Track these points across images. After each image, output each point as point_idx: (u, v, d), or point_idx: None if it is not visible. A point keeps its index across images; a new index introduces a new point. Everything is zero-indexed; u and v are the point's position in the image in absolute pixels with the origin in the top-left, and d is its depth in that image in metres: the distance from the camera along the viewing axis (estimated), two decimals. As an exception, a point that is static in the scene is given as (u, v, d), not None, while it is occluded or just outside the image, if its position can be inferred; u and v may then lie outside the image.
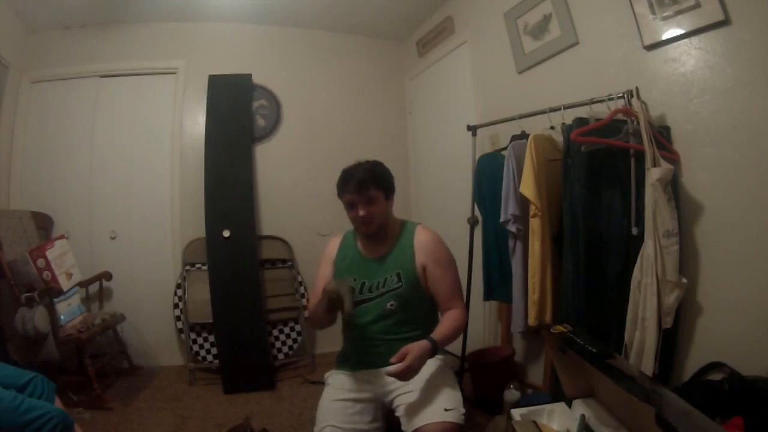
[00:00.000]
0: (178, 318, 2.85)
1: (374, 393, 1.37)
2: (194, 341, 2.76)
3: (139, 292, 2.94)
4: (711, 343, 1.49)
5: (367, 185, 1.38)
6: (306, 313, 1.48)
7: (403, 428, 1.27)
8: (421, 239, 1.45)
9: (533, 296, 1.70)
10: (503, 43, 2.41)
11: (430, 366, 1.35)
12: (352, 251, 1.51)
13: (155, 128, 3.06)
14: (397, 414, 1.31)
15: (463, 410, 1.26)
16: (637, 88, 1.53)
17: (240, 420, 1.93)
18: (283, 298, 2.90)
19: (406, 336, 1.38)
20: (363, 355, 1.43)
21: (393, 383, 1.32)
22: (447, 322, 1.39)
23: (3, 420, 1.13)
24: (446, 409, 1.23)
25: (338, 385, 1.41)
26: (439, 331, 1.34)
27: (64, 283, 2.37)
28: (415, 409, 1.25)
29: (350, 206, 1.42)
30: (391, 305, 1.40)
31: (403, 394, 1.31)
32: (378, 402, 1.37)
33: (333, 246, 1.58)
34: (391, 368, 1.20)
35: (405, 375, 1.19)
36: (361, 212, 1.38)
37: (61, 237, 2.59)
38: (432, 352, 1.26)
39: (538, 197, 1.65)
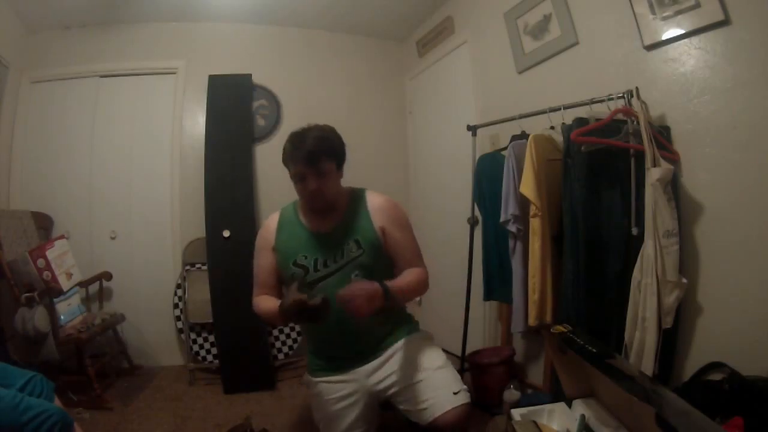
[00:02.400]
0: (178, 318, 2.85)
1: (363, 391, 1.32)
2: (194, 341, 2.76)
3: (139, 292, 2.93)
4: (711, 343, 1.49)
5: (318, 157, 1.24)
6: (258, 310, 1.36)
7: (413, 419, 1.25)
8: (375, 202, 1.36)
9: (533, 296, 1.70)
10: (503, 43, 2.41)
11: (416, 348, 1.33)
12: (297, 228, 1.37)
13: (155, 128, 3.06)
14: (401, 407, 1.29)
15: (465, 386, 1.25)
16: (637, 88, 1.53)
17: (240, 420, 1.92)
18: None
19: (376, 321, 1.25)
20: (335, 356, 1.35)
21: (377, 373, 1.30)
22: (407, 275, 1.28)
23: (2, 419, 1.13)
24: (455, 393, 1.22)
25: (327, 394, 1.34)
26: (396, 282, 1.22)
27: (64, 283, 2.37)
28: (421, 399, 1.23)
29: (299, 178, 1.29)
30: (356, 276, 1.27)
31: (402, 388, 1.28)
32: (369, 397, 1.33)
33: (270, 227, 1.41)
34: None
35: (349, 304, 1.07)
36: (312, 186, 1.26)
37: (61, 237, 2.59)
38: (382, 298, 1.13)
39: (538, 197, 1.65)
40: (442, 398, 1.21)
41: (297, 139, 1.28)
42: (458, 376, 1.30)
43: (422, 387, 1.25)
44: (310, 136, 1.27)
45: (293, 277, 1.30)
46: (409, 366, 1.30)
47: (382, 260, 1.33)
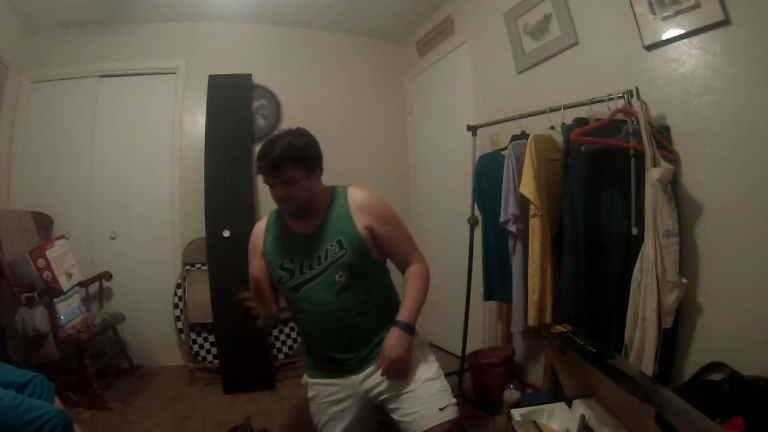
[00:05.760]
0: (178, 318, 2.86)
1: (357, 396, 1.33)
2: (194, 341, 2.76)
3: (139, 292, 2.93)
4: (711, 343, 1.49)
5: (281, 166, 1.22)
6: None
7: (401, 427, 1.26)
8: (356, 200, 1.33)
9: (533, 296, 1.70)
10: (503, 43, 2.41)
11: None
12: (281, 229, 1.38)
13: (155, 128, 3.06)
14: (391, 415, 1.30)
15: (454, 401, 1.25)
16: (637, 88, 1.53)
17: (240, 420, 1.92)
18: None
19: (366, 323, 1.31)
20: (327, 356, 1.35)
21: (370, 379, 1.31)
22: (410, 287, 1.32)
23: (3, 420, 1.13)
24: (441, 408, 1.21)
25: (321, 397, 1.36)
26: (406, 306, 1.29)
27: (64, 283, 2.37)
28: (408, 411, 1.23)
29: (268, 186, 1.29)
30: (341, 277, 1.27)
31: (391, 396, 1.28)
32: (363, 402, 1.34)
33: (258, 232, 1.44)
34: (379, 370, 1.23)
35: (391, 373, 1.23)
36: (279, 193, 1.26)
37: (61, 237, 2.59)
38: (408, 336, 1.25)
39: (538, 197, 1.65)
40: (427, 413, 1.21)
41: (264, 148, 1.27)
42: (449, 389, 1.28)
43: (410, 398, 1.24)
44: (276, 144, 1.25)
45: (280, 281, 1.34)
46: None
47: (368, 259, 1.32)
